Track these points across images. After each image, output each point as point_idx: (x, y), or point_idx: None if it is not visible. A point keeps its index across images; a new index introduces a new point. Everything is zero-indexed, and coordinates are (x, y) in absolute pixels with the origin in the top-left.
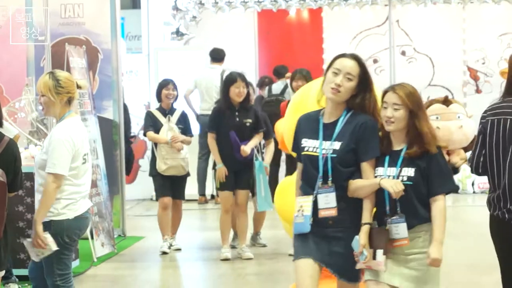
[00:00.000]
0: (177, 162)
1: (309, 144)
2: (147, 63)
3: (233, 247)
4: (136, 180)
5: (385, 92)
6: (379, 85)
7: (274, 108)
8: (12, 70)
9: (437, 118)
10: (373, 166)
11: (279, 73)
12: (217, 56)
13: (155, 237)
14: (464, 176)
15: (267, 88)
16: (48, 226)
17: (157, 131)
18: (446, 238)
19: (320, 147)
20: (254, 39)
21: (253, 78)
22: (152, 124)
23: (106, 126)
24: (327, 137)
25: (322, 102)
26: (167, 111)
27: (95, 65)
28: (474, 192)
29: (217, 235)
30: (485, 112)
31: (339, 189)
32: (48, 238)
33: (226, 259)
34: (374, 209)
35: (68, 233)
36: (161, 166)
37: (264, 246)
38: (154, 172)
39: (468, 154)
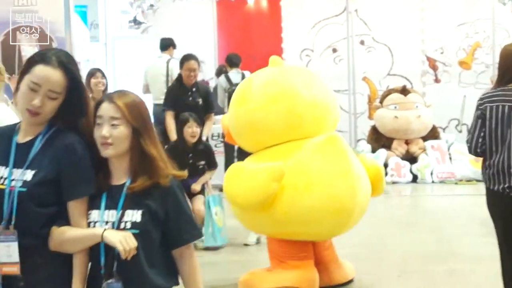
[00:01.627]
0: None
1: None
2: (104, 52)
3: None
4: None
5: (99, 103)
6: (338, 74)
7: None
8: None
9: (395, 107)
10: (85, 208)
11: (232, 61)
12: (162, 45)
13: None
14: (423, 166)
15: (223, 76)
16: None
17: None
18: (403, 226)
19: (9, 177)
20: (213, 28)
21: (211, 67)
22: None
23: None
24: (19, 163)
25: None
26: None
27: None
28: (432, 182)
29: None
30: (482, 99)
31: (34, 238)
32: None
33: None
34: None
35: None
36: None
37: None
38: None
39: (427, 143)
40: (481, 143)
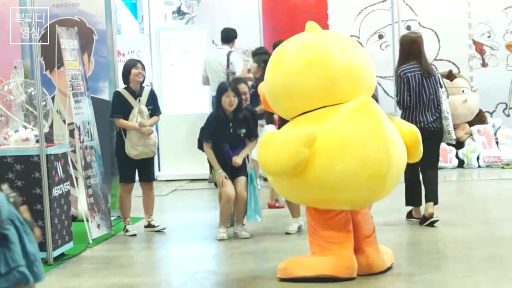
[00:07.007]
0: (148, 149)
1: None
2: (148, 43)
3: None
4: None
5: None
6: (384, 61)
7: None
8: (6, 53)
9: None
10: None
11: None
12: (224, 36)
13: (153, 218)
14: (469, 151)
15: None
16: None
17: (126, 112)
18: (448, 212)
19: None
20: (258, 17)
21: None
22: (120, 107)
23: (103, 107)
24: None
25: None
26: (137, 92)
27: (90, 46)
28: (479, 166)
29: (210, 215)
30: (402, 71)
31: None
32: None
33: (222, 239)
34: None
35: None
36: (131, 152)
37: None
38: (121, 155)
39: (473, 128)
40: (407, 100)
